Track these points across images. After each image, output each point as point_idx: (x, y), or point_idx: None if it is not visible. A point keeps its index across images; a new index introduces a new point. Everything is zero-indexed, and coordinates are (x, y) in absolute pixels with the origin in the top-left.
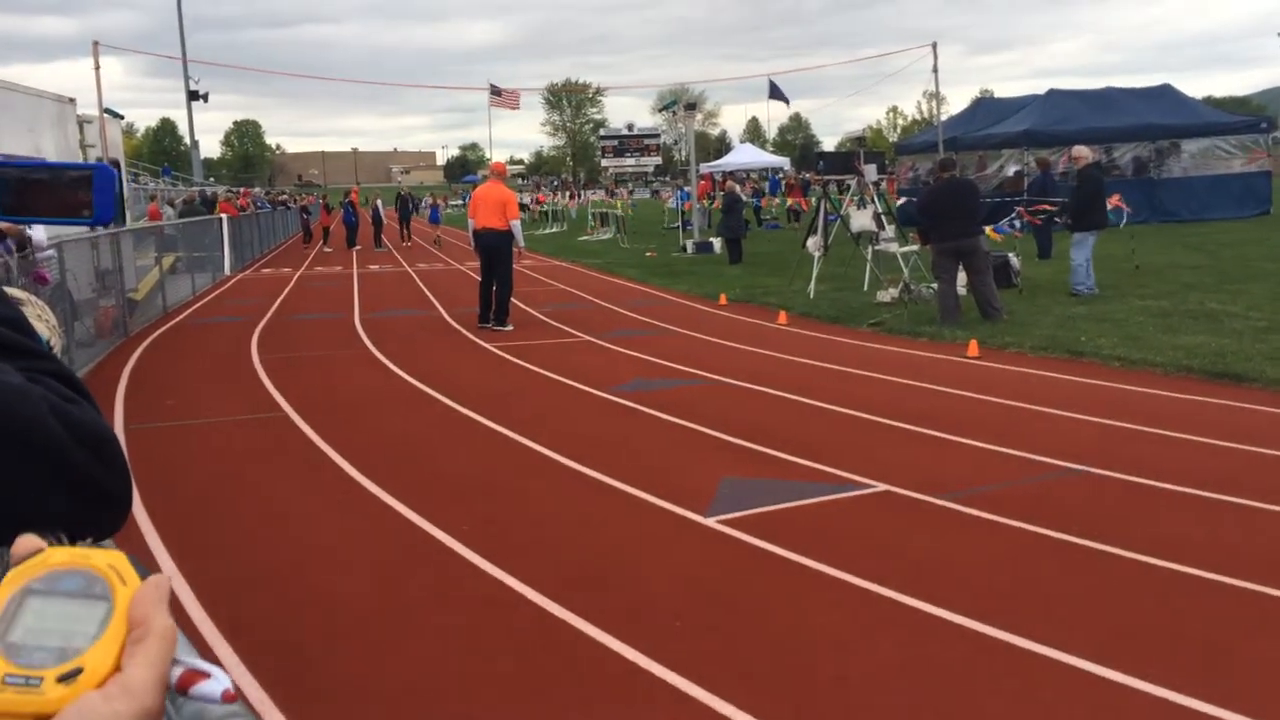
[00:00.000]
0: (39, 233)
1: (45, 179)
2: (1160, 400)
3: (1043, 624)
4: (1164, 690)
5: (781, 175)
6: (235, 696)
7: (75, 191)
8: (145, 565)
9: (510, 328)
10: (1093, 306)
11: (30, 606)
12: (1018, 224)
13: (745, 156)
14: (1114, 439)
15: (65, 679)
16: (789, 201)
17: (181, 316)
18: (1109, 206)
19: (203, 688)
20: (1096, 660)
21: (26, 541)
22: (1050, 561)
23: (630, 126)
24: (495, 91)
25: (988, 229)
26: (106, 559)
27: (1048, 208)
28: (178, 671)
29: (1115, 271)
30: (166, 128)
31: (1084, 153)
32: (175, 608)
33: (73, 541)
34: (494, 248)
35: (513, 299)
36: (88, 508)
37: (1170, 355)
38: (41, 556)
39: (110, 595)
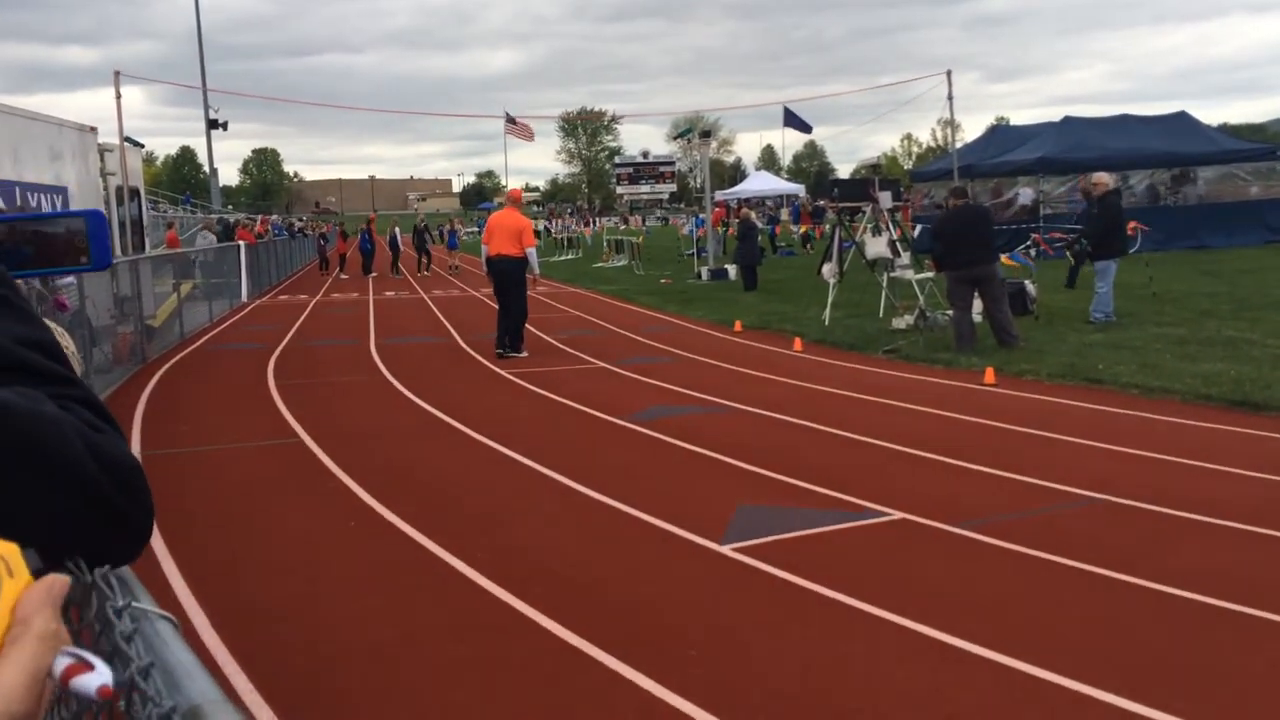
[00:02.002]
0: None
1: (38, 230)
2: (1178, 428)
3: (1062, 654)
4: None
5: (801, 202)
6: (111, 692)
7: (70, 239)
8: (156, 593)
9: (525, 354)
10: (1110, 334)
11: None
12: (1033, 252)
13: (760, 184)
14: (1132, 467)
15: None
16: (802, 228)
17: (199, 343)
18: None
19: (80, 680)
20: (1117, 692)
21: None
22: (1068, 591)
23: (645, 154)
24: (510, 120)
25: (1003, 257)
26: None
27: (1061, 236)
28: (64, 663)
29: (1133, 299)
30: (186, 156)
31: (1105, 180)
32: (190, 634)
33: (90, 566)
34: (508, 274)
35: (528, 325)
36: (109, 535)
37: (1188, 383)
38: None
39: None
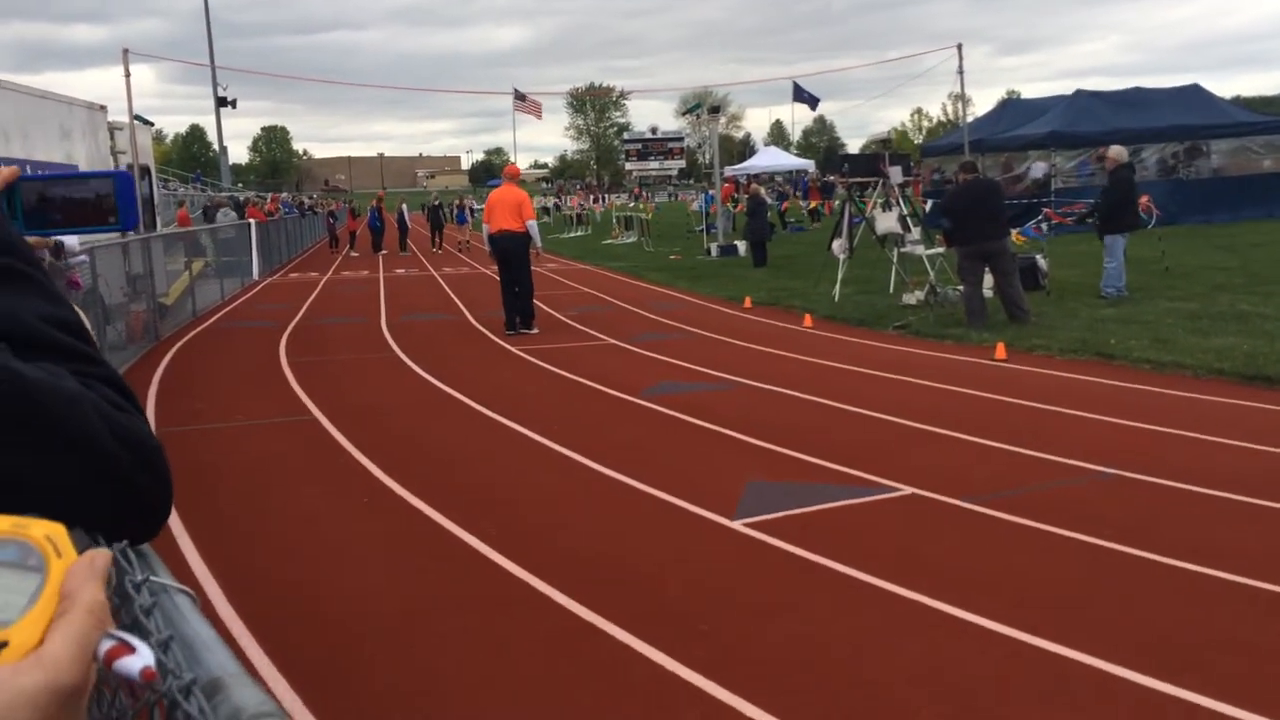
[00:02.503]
0: (71, 238)
1: (67, 190)
2: (1191, 403)
3: (1073, 629)
4: (1198, 696)
5: (809, 177)
6: (154, 674)
7: (99, 200)
8: (172, 568)
9: (536, 330)
10: (1122, 309)
11: None
12: (1045, 227)
13: (769, 159)
14: (1144, 442)
15: None
16: (811, 203)
17: (211, 320)
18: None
19: (123, 663)
20: (1130, 666)
21: None
22: (1080, 565)
23: (654, 130)
24: (519, 96)
25: (1014, 232)
26: (45, 530)
27: (1079, 208)
28: (108, 645)
29: (1145, 273)
30: (195, 134)
31: (1119, 154)
32: (206, 608)
33: (109, 542)
34: (512, 251)
35: (537, 302)
36: (127, 513)
37: (1201, 358)
38: None
39: (45, 567)
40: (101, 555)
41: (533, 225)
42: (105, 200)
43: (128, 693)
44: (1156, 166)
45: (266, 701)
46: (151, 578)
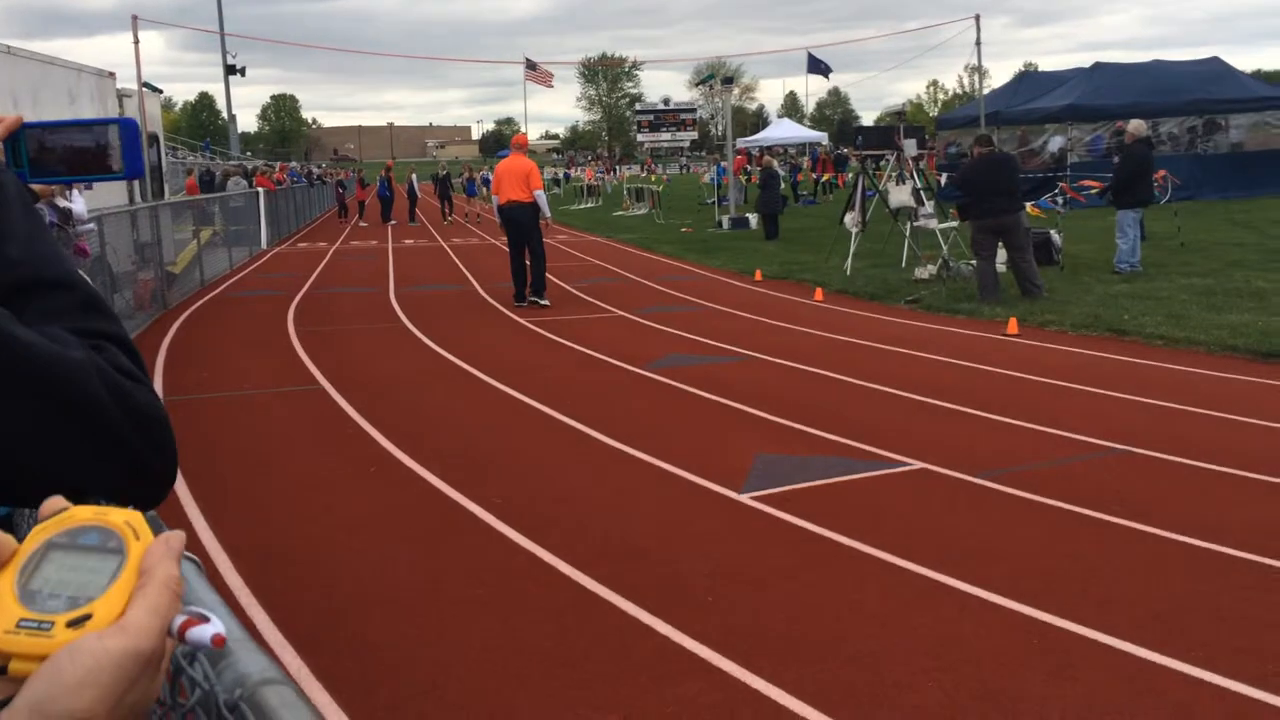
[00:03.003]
0: (79, 206)
1: (70, 136)
2: (1204, 379)
3: (1082, 604)
4: (1206, 672)
5: (820, 149)
6: (224, 641)
7: (103, 147)
8: (184, 538)
9: (548, 302)
10: (1136, 284)
11: (51, 558)
12: (1061, 200)
13: (783, 131)
14: (1156, 418)
15: (74, 624)
16: (825, 175)
17: (219, 289)
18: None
19: (195, 632)
20: (1137, 641)
21: (53, 501)
22: (1089, 541)
23: (666, 101)
24: (531, 66)
25: (1029, 205)
26: (124, 517)
27: (1093, 184)
28: (180, 619)
29: (1160, 249)
30: (204, 102)
31: (1138, 128)
32: (212, 575)
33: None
34: (521, 221)
35: (548, 274)
36: (131, 480)
37: (1215, 334)
38: (66, 514)
39: (124, 549)
40: (176, 536)
41: (540, 195)
42: (110, 148)
43: None
44: (1178, 140)
45: (271, 667)
46: None
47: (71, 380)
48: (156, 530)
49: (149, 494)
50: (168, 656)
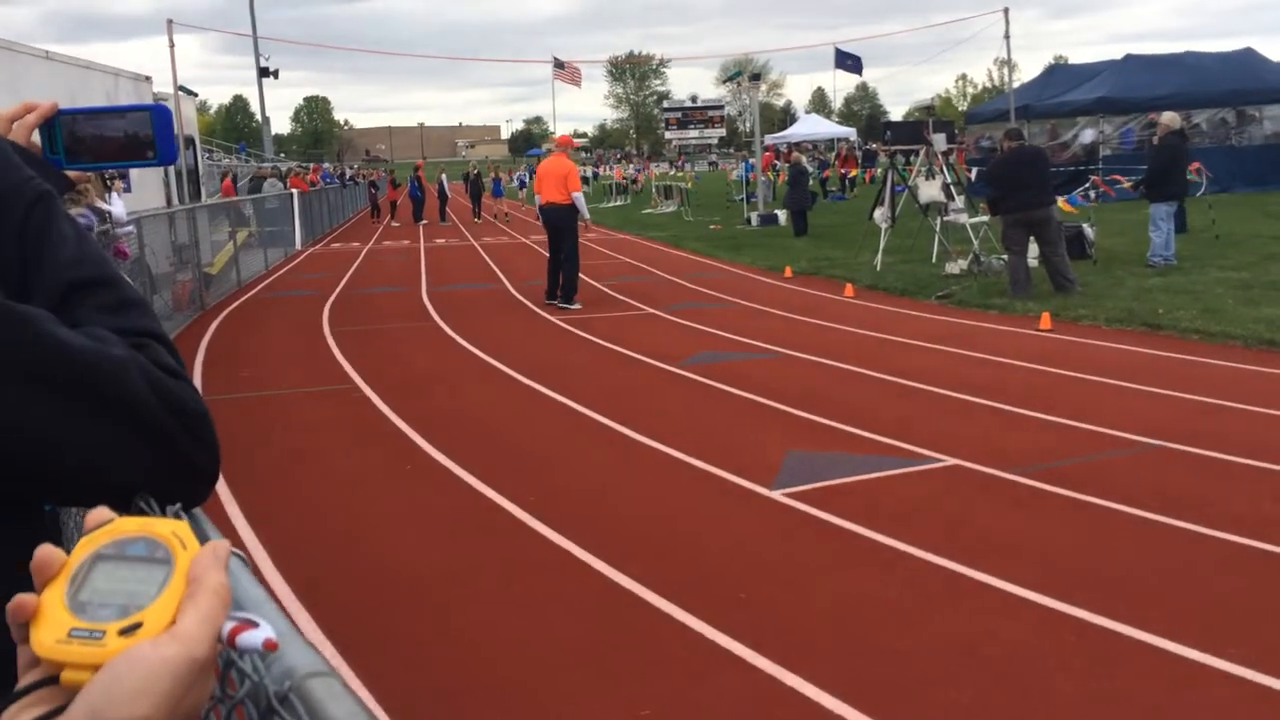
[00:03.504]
0: (119, 208)
1: (104, 124)
2: (1240, 374)
3: (1116, 601)
4: (1246, 670)
5: (843, 145)
6: (275, 645)
7: (136, 135)
8: (223, 532)
9: (578, 306)
10: (1170, 278)
11: (99, 569)
12: (1093, 194)
13: (810, 127)
14: (1191, 414)
15: (126, 632)
16: (851, 172)
17: (255, 290)
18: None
19: (246, 637)
20: (1175, 639)
21: (98, 513)
22: (1124, 538)
23: (694, 98)
24: (559, 65)
25: (1060, 200)
26: (170, 527)
27: (1119, 179)
28: (229, 626)
29: (1195, 242)
30: (239, 105)
31: (1171, 120)
32: (252, 571)
33: (162, 508)
34: (557, 224)
35: (581, 275)
36: (176, 476)
37: (1251, 328)
38: (112, 525)
39: (172, 559)
40: (222, 545)
41: (578, 197)
42: (144, 135)
43: None
44: (1211, 132)
45: (318, 660)
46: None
47: (115, 378)
48: (204, 537)
49: (194, 490)
50: (217, 660)
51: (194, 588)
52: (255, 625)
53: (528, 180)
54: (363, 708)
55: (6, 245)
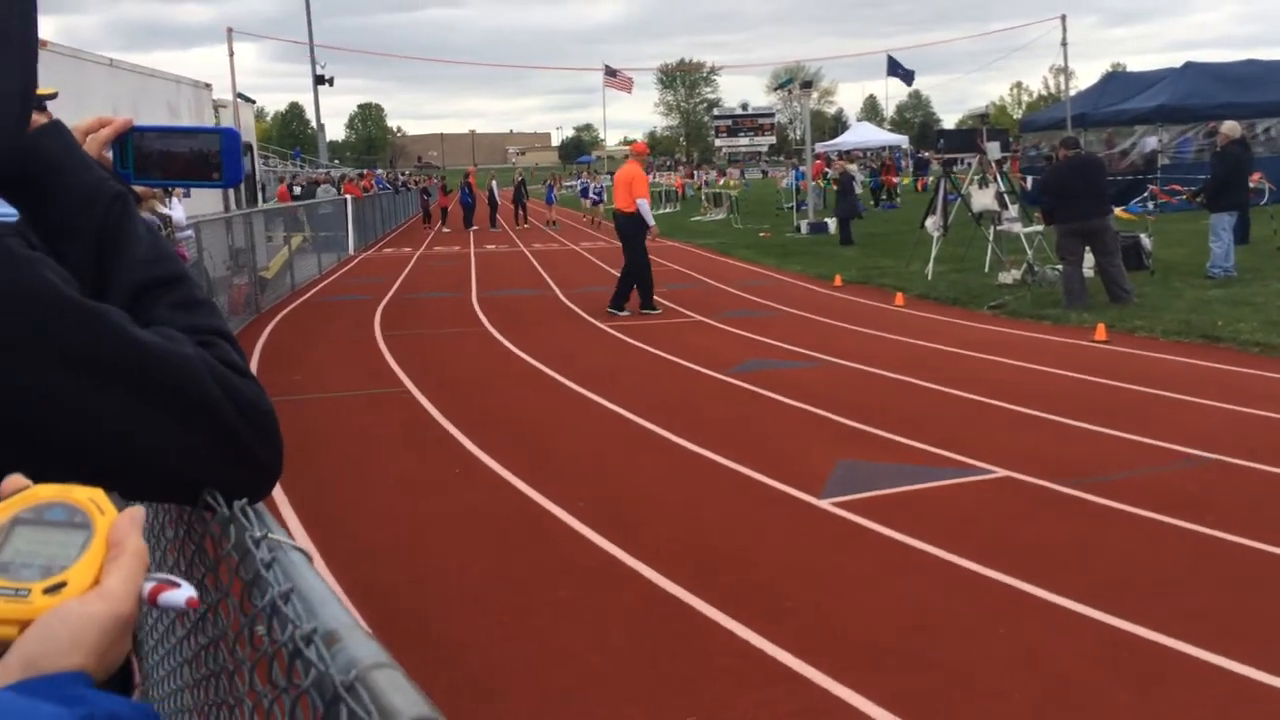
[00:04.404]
0: (178, 213)
1: (174, 142)
2: None
3: (1171, 616)
4: None
5: (884, 154)
6: (198, 603)
7: (204, 155)
8: (144, 513)
9: (626, 313)
10: (1230, 290)
11: (19, 533)
12: (1151, 204)
13: (861, 135)
14: (1250, 427)
15: (51, 591)
16: (890, 181)
17: (309, 294)
18: (1250, 185)
19: (168, 596)
20: (1229, 655)
21: (13, 480)
22: (1180, 552)
23: (744, 106)
24: (610, 73)
25: (1117, 209)
26: (86, 493)
27: (1178, 189)
28: (149, 585)
29: (1255, 253)
30: (294, 112)
31: (1232, 129)
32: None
33: (228, 502)
34: (624, 229)
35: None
36: (241, 471)
37: None
38: (29, 491)
39: (90, 523)
40: (139, 510)
41: (643, 204)
42: (212, 156)
43: (244, 645)
44: (1273, 142)
45: (381, 652)
46: (270, 534)
47: (187, 375)
48: (263, 532)
49: (258, 485)
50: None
51: (115, 550)
52: (177, 585)
53: (603, 191)
54: (424, 697)
55: (85, 242)
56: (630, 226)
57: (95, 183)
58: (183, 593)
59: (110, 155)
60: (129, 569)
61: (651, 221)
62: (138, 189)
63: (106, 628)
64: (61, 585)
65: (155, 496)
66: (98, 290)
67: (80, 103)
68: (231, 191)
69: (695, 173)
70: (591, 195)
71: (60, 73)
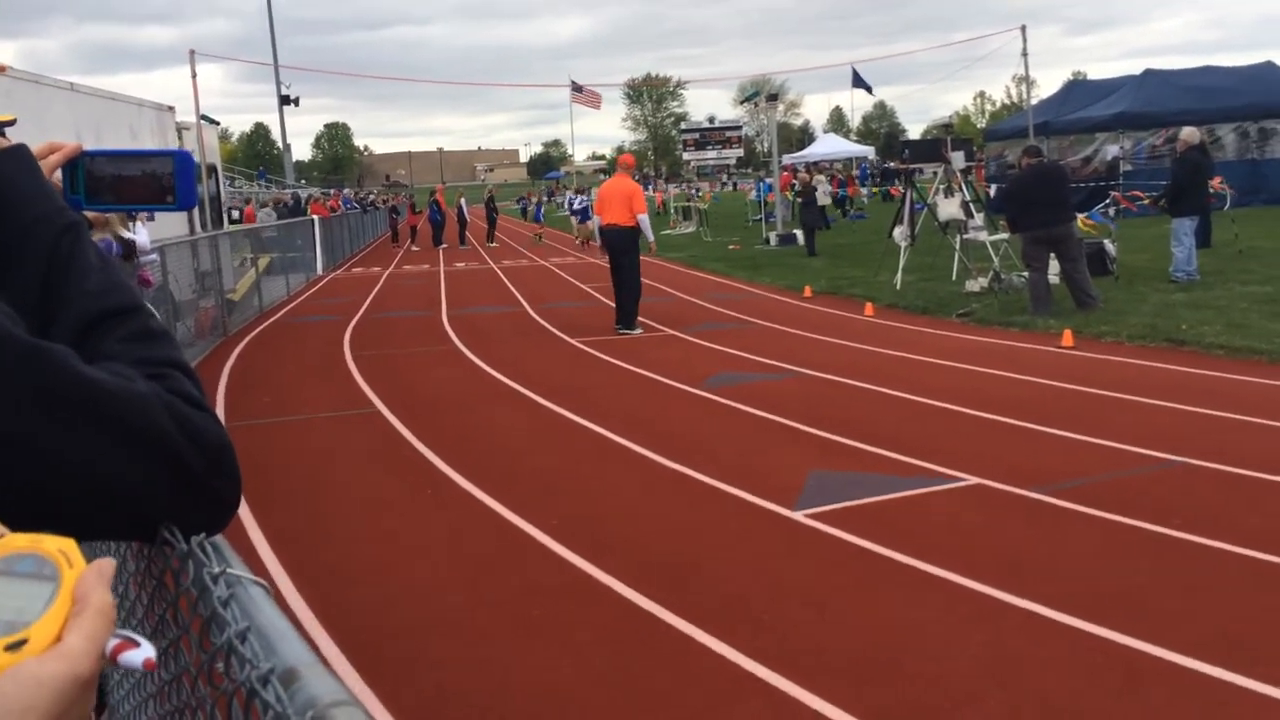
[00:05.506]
0: (143, 237)
1: (126, 166)
2: (1266, 389)
3: (1143, 620)
4: (1272, 688)
5: (835, 167)
6: (154, 665)
7: (158, 178)
8: (242, 559)
9: (638, 331)
10: (1194, 293)
11: None
12: (1113, 211)
13: (828, 147)
14: (1216, 430)
15: (11, 648)
16: (850, 192)
17: (277, 315)
18: (1211, 190)
19: (127, 656)
20: (1203, 658)
21: None
22: (1150, 556)
23: (711, 119)
24: (576, 89)
25: (1080, 217)
26: (57, 544)
27: (1140, 195)
28: (113, 643)
29: (1218, 256)
30: (260, 132)
31: (1190, 135)
32: (276, 599)
33: (186, 537)
34: (619, 245)
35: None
36: (198, 507)
37: (1276, 343)
38: (3, 541)
39: (58, 576)
40: (108, 563)
41: (643, 219)
42: (165, 179)
43: (205, 681)
44: (1232, 147)
45: (340, 691)
46: (228, 570)
47: (139, 412)
48: (225, 564)
49: (215, 518)
50: (97, 677)
51: (80, 605)
52: (137, 645)
53: (587, 203)
54: None
55: (33, 271)
56: (627, 241)
57: (50, 211)
58: (140, 653)
59: (60, 180)
60: (91, 626)
61: (652, 237)
62: (90, 215)
63: (64, 690)
64: (22, 643)
65: (109, 535)
66: (45, 322)
67: (41, 128)
68: (196, 213)
69: (666, 185)
70: (576, 208)
71: (20, 99)
